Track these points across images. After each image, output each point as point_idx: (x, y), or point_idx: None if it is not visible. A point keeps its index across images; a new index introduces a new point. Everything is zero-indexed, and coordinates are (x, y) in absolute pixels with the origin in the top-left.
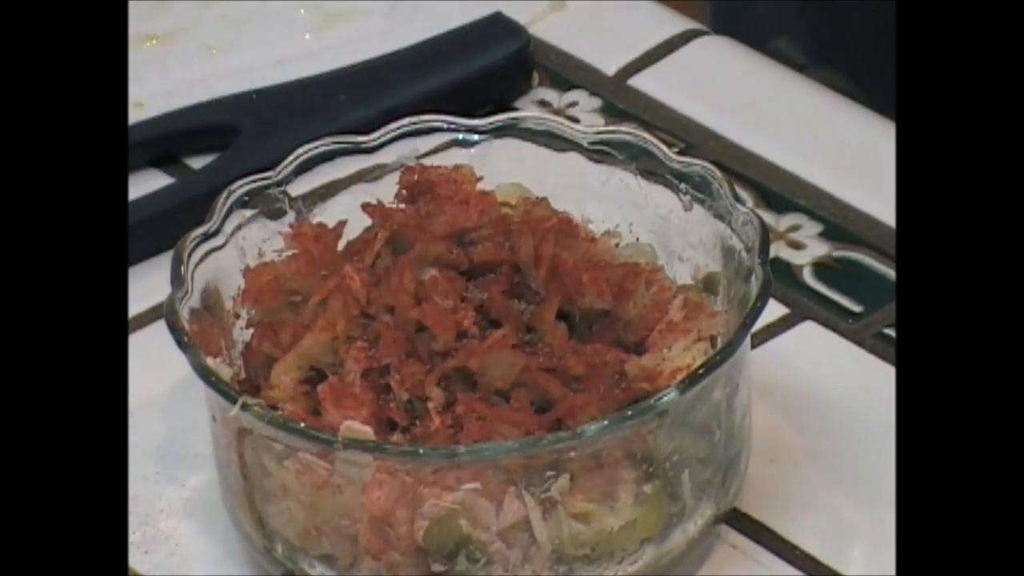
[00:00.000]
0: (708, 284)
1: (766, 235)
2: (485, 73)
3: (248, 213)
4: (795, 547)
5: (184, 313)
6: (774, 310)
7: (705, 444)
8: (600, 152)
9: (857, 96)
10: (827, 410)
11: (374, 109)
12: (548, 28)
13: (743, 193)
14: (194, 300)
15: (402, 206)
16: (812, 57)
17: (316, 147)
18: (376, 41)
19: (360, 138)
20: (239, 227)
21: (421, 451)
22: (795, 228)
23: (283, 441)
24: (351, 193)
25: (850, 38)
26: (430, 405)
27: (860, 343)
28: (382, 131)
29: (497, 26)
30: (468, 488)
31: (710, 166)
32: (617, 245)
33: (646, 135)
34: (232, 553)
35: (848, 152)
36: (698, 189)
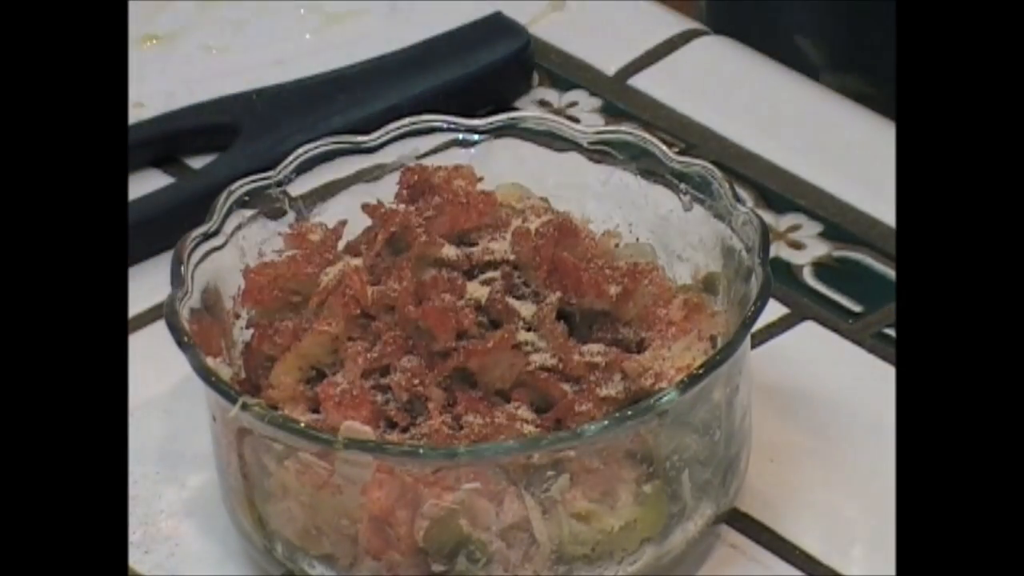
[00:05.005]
0: (708, 284)
1: (766, 235)
2: (485, 73)
3: (248, 213)
4: (795, 547)
5: (184, 313)
6: (774, 310)
7: (705, 444)
8: (600, 152)
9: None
10: (827, 410)
11: (374, 109)
12: (548, 28)
13: (743, 193)
14: (194, 300)
15: (402, 206)
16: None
17: (316, 147)
18: (376, 41)
19: (360, 138)
20: (239, 227)
21: (421, 451)
22: (795, 228)
23: (283, 441)
24: (351, 193)
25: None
26: (430, 405)
27: (860, 343)
28: (382, 131)
29: (497, 26)
30: (468, 488)
31: (710, 166)
32: (617, 245)
33: (646, 135)
34: (232, 553)
35: (848, 152)
36: (698, 189)
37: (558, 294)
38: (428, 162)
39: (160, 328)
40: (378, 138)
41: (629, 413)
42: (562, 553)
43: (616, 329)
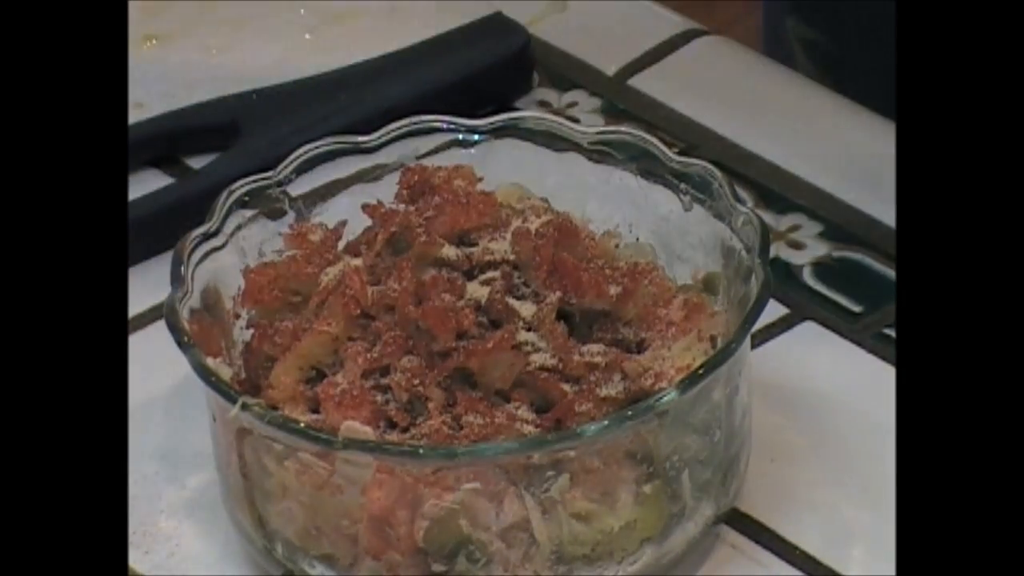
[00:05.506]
0: (708, 284)
1: (766, 235)
2: (485, 73)
3: (248, 213)
4: (795, 547)
5: (184, 313)
6: (774, 310)
7: (705, 444)
8: (600, 152)
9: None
10: (827, 410)
11: (374, 109)
12: (548, 28)
13: (743, 193)
14: (194, 300)
15: (402, 206)
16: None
17: (316, 147)
18: (376, 41)
19: (360, 138)
20: (239, 227)
21: (421, 451)
22: (795, 228)
23: (283, 441)
24: (351, 193)
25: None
26: (430, 405)
27: (860, 343)
28: (382, 131)
29: (497, 26)
30: (468, 488)
31: (710, 166)
32: (617, 245)
33: (646, 135)
34: (232, 553)
35: (848, 152)
36: (698, 189)
37: (558, 294)
38: (428, 162)
39: (160, 328)
40: (378, 138)
41: (629, 413)
42: (562, 553)
43: (616, 329)
